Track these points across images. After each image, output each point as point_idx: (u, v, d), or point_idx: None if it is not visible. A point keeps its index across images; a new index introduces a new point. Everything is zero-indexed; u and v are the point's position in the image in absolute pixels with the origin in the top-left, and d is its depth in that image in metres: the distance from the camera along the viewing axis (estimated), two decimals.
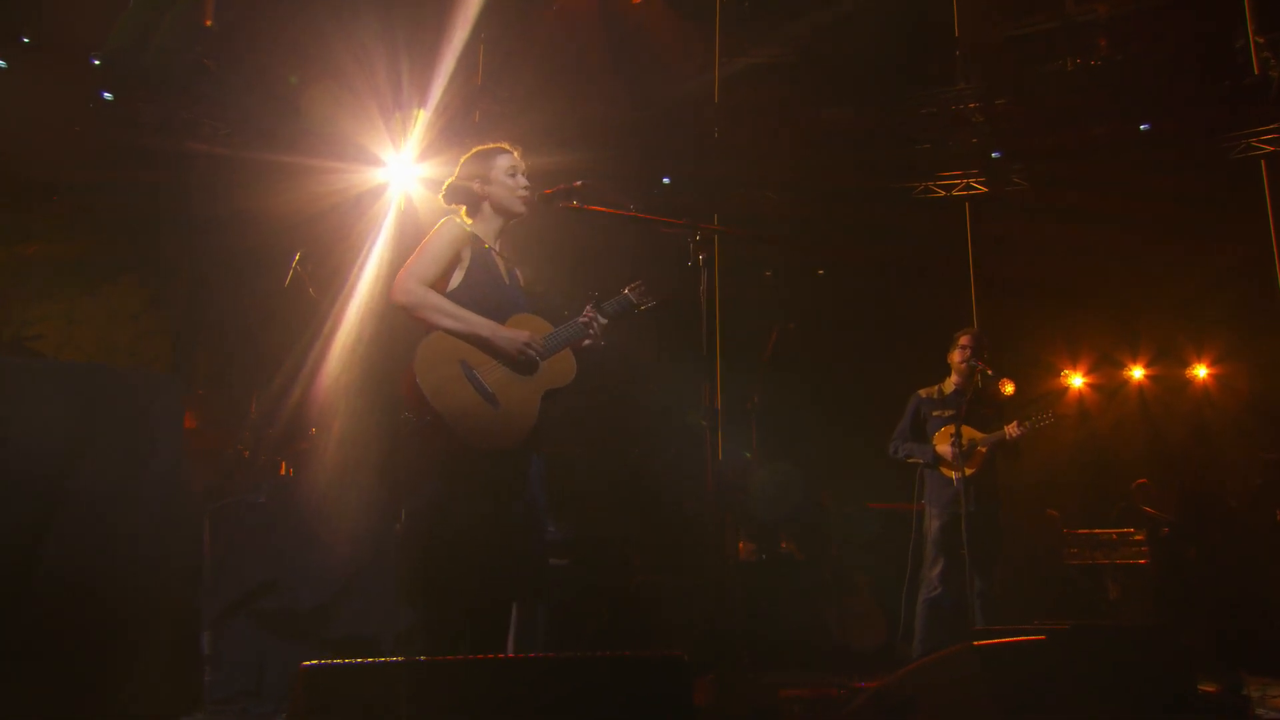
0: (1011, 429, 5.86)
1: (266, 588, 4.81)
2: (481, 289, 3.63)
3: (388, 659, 2.04)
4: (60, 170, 7.73)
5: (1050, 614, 7.78)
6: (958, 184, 9.89)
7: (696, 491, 7.40)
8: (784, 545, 7.19)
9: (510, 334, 3.52)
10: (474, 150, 3.84)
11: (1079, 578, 8.19)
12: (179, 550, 3.36)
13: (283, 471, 6.34)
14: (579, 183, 3.68)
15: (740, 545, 6.86)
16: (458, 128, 9.54)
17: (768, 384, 8.10)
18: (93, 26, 7.90)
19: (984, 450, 5.96)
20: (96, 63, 7.99)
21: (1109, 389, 10.30)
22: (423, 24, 9.30)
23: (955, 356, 6.17)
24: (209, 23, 8.61)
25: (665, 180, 9.90)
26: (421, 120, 9.14)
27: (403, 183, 8.60)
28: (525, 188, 3.81)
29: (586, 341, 3.82)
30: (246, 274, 8.27)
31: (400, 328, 6.08)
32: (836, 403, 9.07)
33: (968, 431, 5.92)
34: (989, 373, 5.91)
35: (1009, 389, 9.98)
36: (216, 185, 8.86)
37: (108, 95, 8.17)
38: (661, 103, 9.58)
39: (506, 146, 3.86)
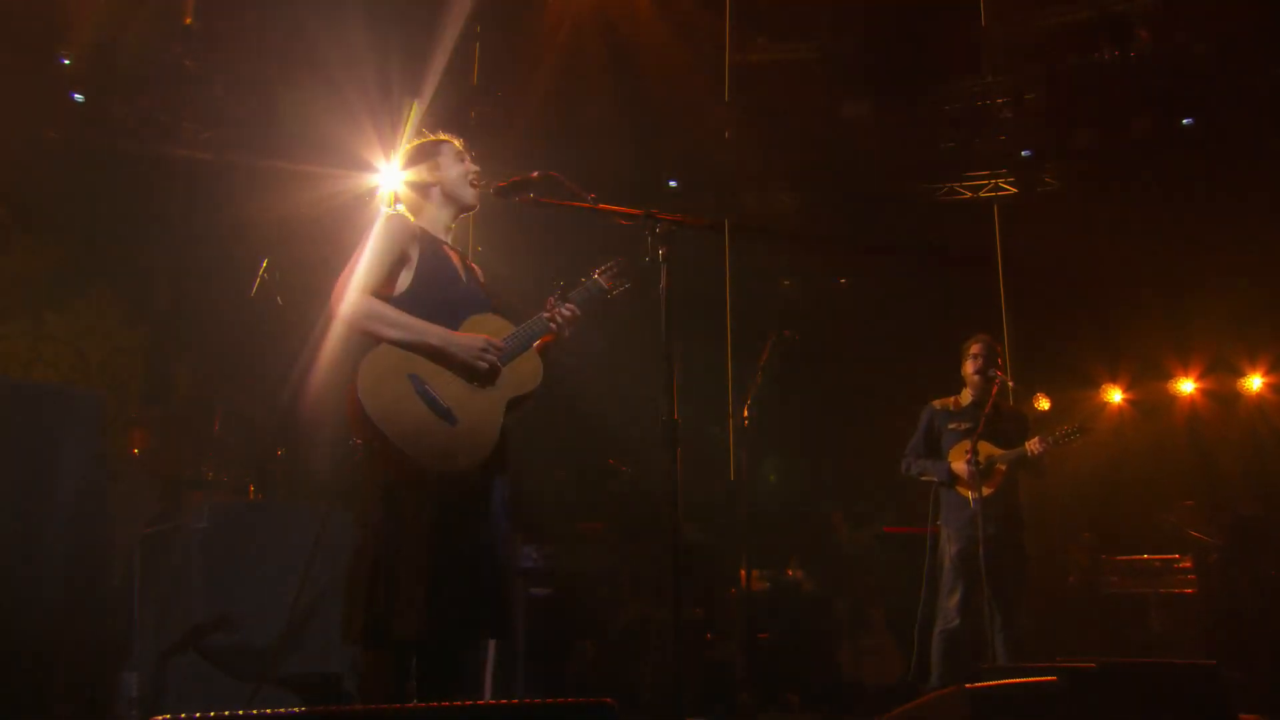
0: (1033, 445, 5.60)
1: (216, 622, 4.62)
2: (434, 289, 3.43)
3: (254, 711, 1.84)
4: (28, 176, 7.62)
5: (1085, 649, 7.47)
6: (985, 185, 9.67)
7: (695, 513, 7.22)
8: (791, 572, 6.95)
9: (465, 340, 3.30)
10: (415, 143, 3.71)
11: (1118, 609, 7.87)
12: (89, 578, 3.17)
13: (251, 494, 6.19)
14: (536, 173, 3.49)
15: (743, 572, 6.60)
16: (452, 129, 9.38)
17: (775, 397, 7.88)
18: (61, 23, 7.81)
19: (1004, 468, 5.70)
20: (66, 62, 7.91)
21: (1152, 402, 9.97)
22: (415, 21, 9.21)
23: (968, 368, 5.95)
24: (189, 20, 8.53)
25: (672, 183, 9.75)
26: (415, 115, 8.98)
27: (393, 187, 8.44)
28: (475, 173, 3.65)
29: (549, 338, 3.62)
30: (226, 285, 8.16)
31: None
32: (855, 418, 8.83)
33: (986, 448, 5.66)
34: (1010, 384, 5.65)
35: (1044, 404, 9.75)
36: (196, 192, 8.77)
37: (79, 97, 8.10)
38: (669, 101, 9.41)
39: (450, 137, 3.72)
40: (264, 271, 6.01)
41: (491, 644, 5.31)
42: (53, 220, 8.14)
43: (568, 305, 3.55)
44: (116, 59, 8.17)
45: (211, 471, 6.01)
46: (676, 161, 9.68)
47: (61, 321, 8.37)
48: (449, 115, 9.27)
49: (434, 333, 3.27)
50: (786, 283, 10.72)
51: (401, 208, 3.67)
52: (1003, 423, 5.84)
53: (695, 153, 9.54)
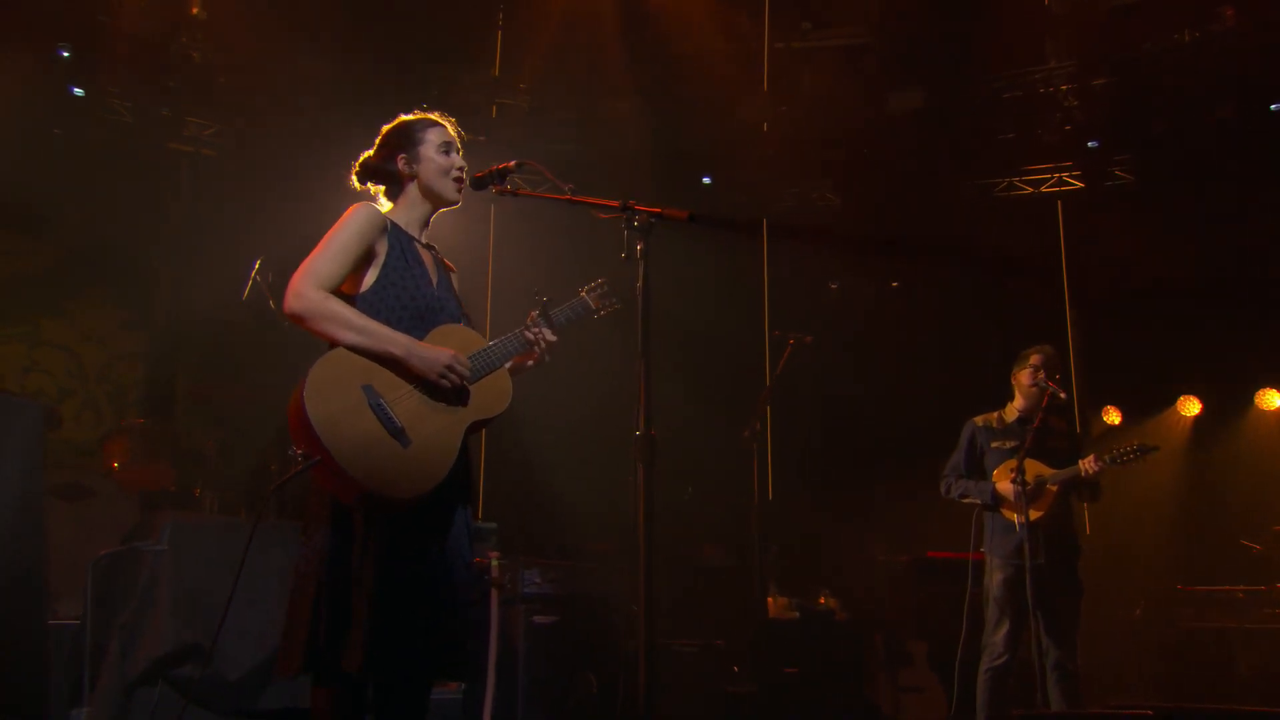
0: (1088, 464, 5.37)
1: (187, 651, 4.54)
2: (400, 292, 3.27)
3: None
4: (25, 175, 7.66)
5: (1154, 691, 7.17)
6: (1048, 179, 9.46)
7: (718, 536, 7.06)
8: (823, 600, 6.74)
9: (430, 353, 3.14)
10: (398, 120, 3.48)
11: (1195, 646, 7.53)
12: (23, 602, 3.08)
13: (241, 514, 6.14)
14: (513, 162, 3.35)
15: (770, 600, 6.43)
16: (473, 125, 9.34)
17: (811, 409, 7.70)
18: (60, 13, 7.87)
19: (1055, 489, 5.47)
20: (65, 55, 7.97)
21: (1235, 417, 9.59)
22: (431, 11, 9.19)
23: (1024, 377, 5.73)
24: (195, 10, 8.56)
25: (706, 180, 9.62)
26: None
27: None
28: (460, 168, 3.45)
29: (531, 361, 3.47)
30: (230, 288, 8.15)
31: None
32: (901, 434, 8.59)
33: (1035, 467, 5.44)
34: (1062, 396, 5.41)
35: (1114, 418, 9.47)
36: (200, 190, 8.80)
37: (78, 91, 8.16)
38: (702, 91, 9.27)
39: (438, 117, 3.51)
40: (256, 273, 5.92)
41: (490, 680, 5.18)
42: (50, 221, 8.18)
43: (548, 330, 3.41)
44: (118, 51, 8.21)
45: (200, 488, 5.97)
46: (710, 157, 9.54)
47: (58, 327, 8.43)
48: (469, 108, 9.25)
49: (396, 341, 3.12)
50: (834, 286, 10.52)
51: (381, 195, 3.50)
52: (1053, 439, 5.63)
53: (731, 147, 9.39)
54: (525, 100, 9.35)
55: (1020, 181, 9.53)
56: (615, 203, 2.99)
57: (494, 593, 5.23)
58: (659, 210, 2.95)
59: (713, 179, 9.65)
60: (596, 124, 9.21)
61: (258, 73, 8.70)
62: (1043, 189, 9.50)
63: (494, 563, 5.26)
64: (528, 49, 9.35)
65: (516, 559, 5.46)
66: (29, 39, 7.81)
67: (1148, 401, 9.52)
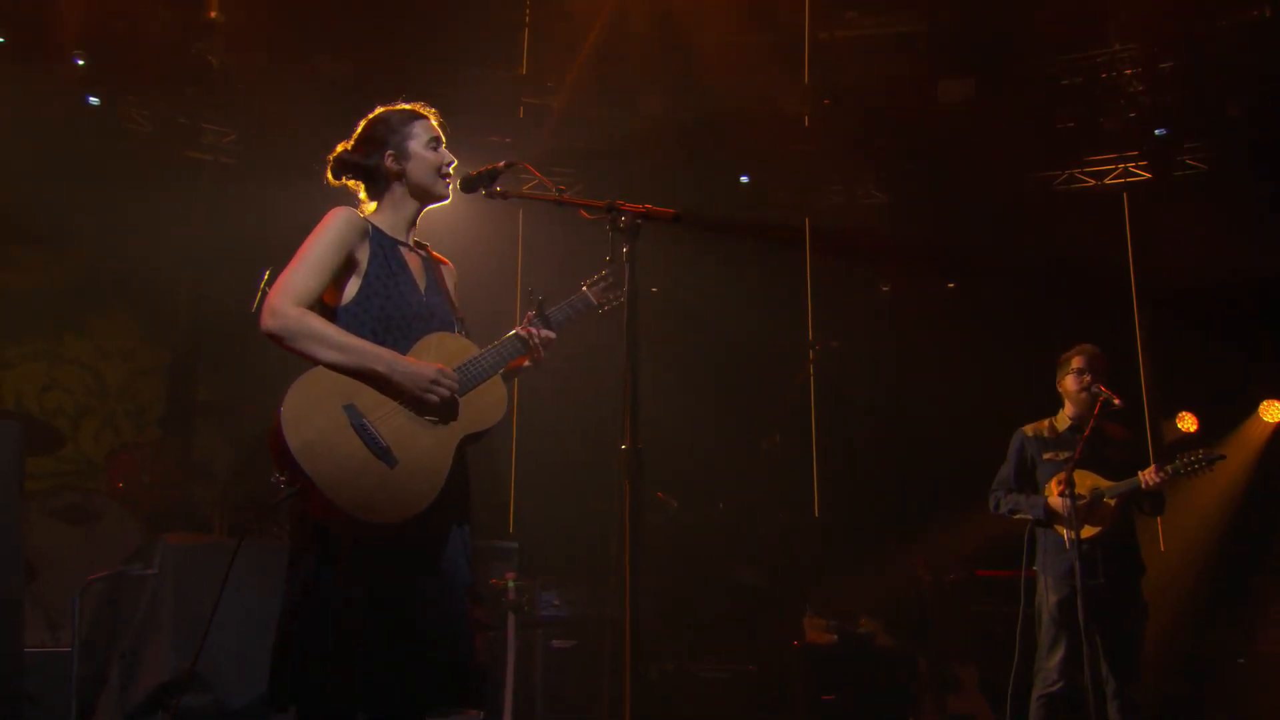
0: (1149, 475, 5.19)
1: (186, 680, 4.55)
2: (384, 302, 3.22)
3: None
4: (41, 186, 7.79)
5: None
6: (1113, 170, 9.26)
7: (750, 555, 6.96)
8: (864, 623, 6.62)
9: (414, 368, 3.08)
10: (379, 111, 3.42)
11: (1273, 673, 7.29)
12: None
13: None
14: (503, 163, 3.30)
15: (807, 622, 6.32)
16: (500, 126, 9.37)
17: (852, 421, 7.56)
18: (76, 20, 7.98)
19: (1113, 503, 5.30)
20: (81, 63, 8.09)
21: None
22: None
23: (1069, 383, 5.58)
24: (214, 14, 8.66)
25: (744, 179, 9.54)
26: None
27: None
28: (450, 164, 3.39)
29: (527, 363, 3.41)
30: (249, 300, 8.22)
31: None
32: (954, 444, 8.42)
33: (1090, 479, 5.30)
34: (1116, 401, 5.22)
35: (1189, 425, 9.21)
36: (219, 199, 8.89)
37: (94, 100, 8.28)
38: (739, 84, 9.19)
39: (422, 109, 3.45)
40: (265, 284, 5.96)
41: (508, 706, 5.15)
42: (68, 233, 8.30)
43: (545, 331, 3.34)
44: (135, 58, 8.32)
45: (210, 507, 6.00)
46: (749, 154, 9.46)
47: (78, 343, 8.57)
48: (495, 108, 9.27)
49: (378, 356, 3.06)
50: (885, 289, 10.41)
51: (360, 193, 3.46)
52: (1110, 449, 5.46)
53: (770, 143, 9.30)
54: (553, 99, 9.33)
55: (1082, 173, 9.37)
56: (601, 202, 2.95)
57: (511, 617, 5.20)
58: (645, 209, 2.89)
59: (751, 177, 9.56)
60: (628, 122, 9.14)
61: (277, 77, 8.75)
62: (1107, 181, 9.31)
63: (510, 584, 5.22)
64: (555, 46, 9.34)
65: (535, 580, 5.42)
66: (45, 48, 7.93)
67: (1226, 407, 9.24)
